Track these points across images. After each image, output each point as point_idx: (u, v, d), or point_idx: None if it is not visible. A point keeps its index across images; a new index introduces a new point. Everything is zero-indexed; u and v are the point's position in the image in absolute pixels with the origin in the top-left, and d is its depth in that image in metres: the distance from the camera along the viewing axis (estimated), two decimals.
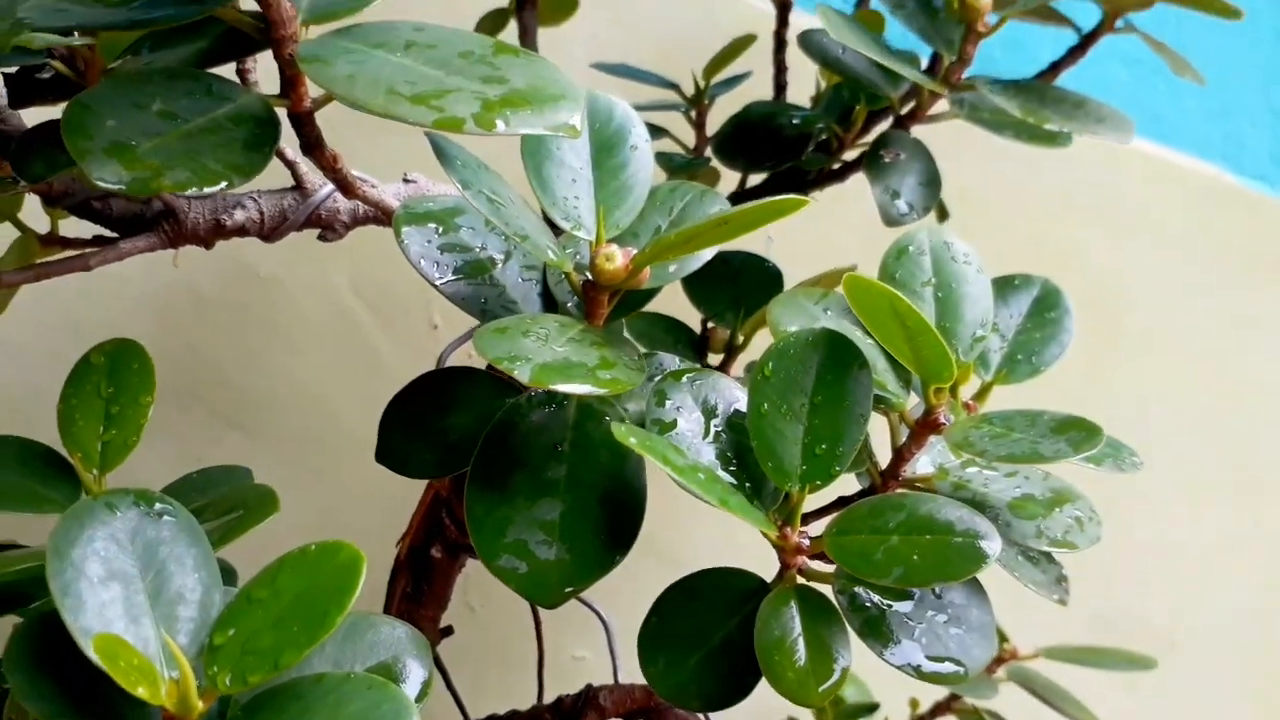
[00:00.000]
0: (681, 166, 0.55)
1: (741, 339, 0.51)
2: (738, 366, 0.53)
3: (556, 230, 0.40)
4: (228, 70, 0.39)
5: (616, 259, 0.38)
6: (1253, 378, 0.96)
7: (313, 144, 0.37)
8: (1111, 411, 0.93)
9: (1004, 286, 0.46)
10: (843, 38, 0.42)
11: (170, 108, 0.32)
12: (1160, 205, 0.92)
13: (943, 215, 0.57)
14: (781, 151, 0.52)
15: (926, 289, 0.39)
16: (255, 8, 0.34)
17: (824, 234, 0.65)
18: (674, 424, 0.36)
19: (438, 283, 0.41)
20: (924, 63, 0.53)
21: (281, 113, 0.35)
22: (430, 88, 0.30)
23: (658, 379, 0.37)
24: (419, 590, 0.53)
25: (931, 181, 0.49)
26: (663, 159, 0.55)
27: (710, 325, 0.53)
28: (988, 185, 0.84)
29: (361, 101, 0.29)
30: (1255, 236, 0.95)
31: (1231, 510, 0.97)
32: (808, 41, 0.51)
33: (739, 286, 0.54)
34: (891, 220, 0.48)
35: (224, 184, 0.31)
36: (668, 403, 0.36)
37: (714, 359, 0.53)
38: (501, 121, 0.29)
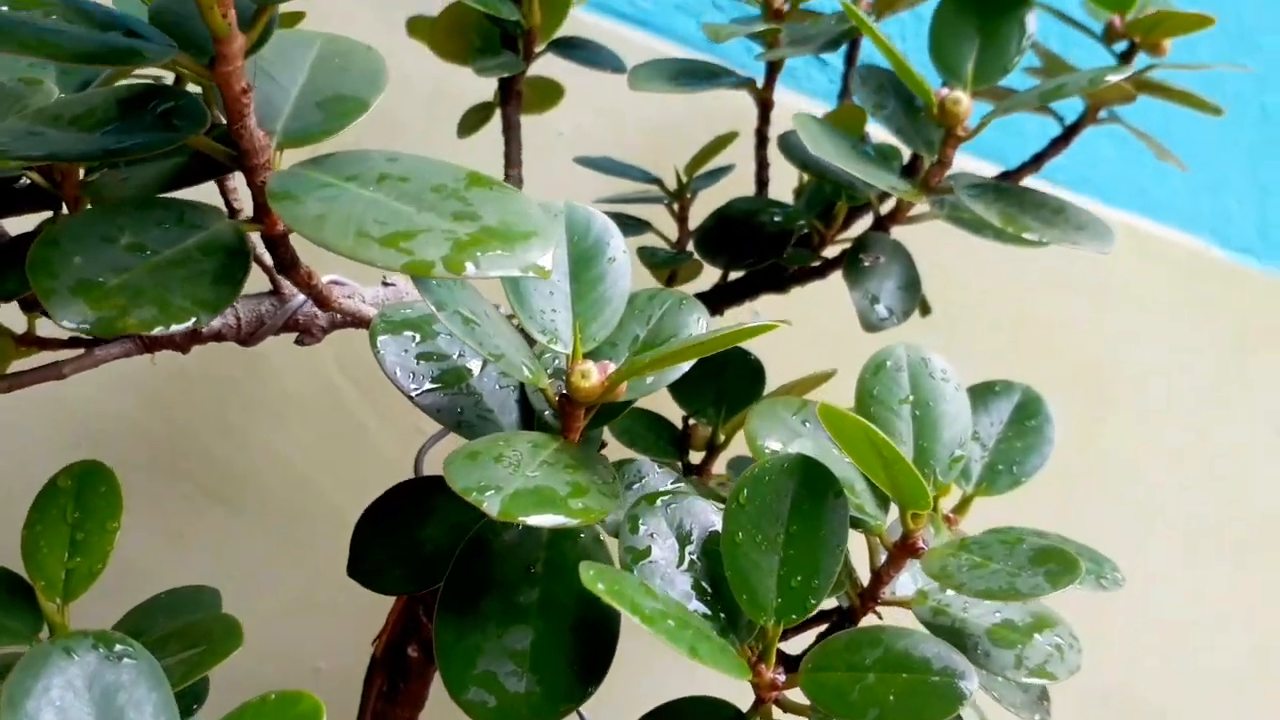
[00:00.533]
0: (664, 261, 0.55)
1: (723, 438, 0.51)
2: (719, 463, 0.53)
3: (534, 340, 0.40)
4: (204, 189, 0.39)
5: (592, 376, 0.38)
6: (1240, 446, 0.96)
7: (288, 265, 0.37)
8: (1101, 482, 0.93)
9: (984, 393, 0.46)
10: (820, 150, 0.42)
11: (140, 239, 0.32)
12: (1147, 278, 0.92)
13: (925, 310, 0.56)
14: (763, 248, 0.52)
15: (904, 406, 0.39)
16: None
17: (808, 310, 0.66)
18: (648, 551, 0.35)
19: (413, 394, 0.41)
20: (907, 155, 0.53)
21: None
22: (401, 227, 0.30)
23: (631, 504, 0.36)
24: (395, 689, 0.53)
25: (911, 285, 0.49)
26: (645, 253, 0.55)
27: (692, 422, 0.52)
28: (972, 259, 0.84)
29: (331, 244, 0.29)
30: (1241, 308, 0.95)
31: (1222, 577, 0.97)
32: (787, 144, 0.52)
33: (721, 380, 0.54)
34: (871, 326, 0.48)
35: (191, 320, 0.31)
36: (641, 529, 0.35)
37: (696, 456, 0.52)
38: (471, 264, 0.29)
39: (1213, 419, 0.95)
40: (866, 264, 0.48)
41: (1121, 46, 0.61)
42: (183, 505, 0.81)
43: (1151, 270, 0.93)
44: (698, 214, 0.58)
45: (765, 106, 0.54)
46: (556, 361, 0.42)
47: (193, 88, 0.37)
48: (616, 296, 0.41)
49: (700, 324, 0.44)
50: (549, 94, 0.63)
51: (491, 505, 0.32)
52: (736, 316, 0.58)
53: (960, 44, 0.49)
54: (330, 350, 0.83)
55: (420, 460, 0.52)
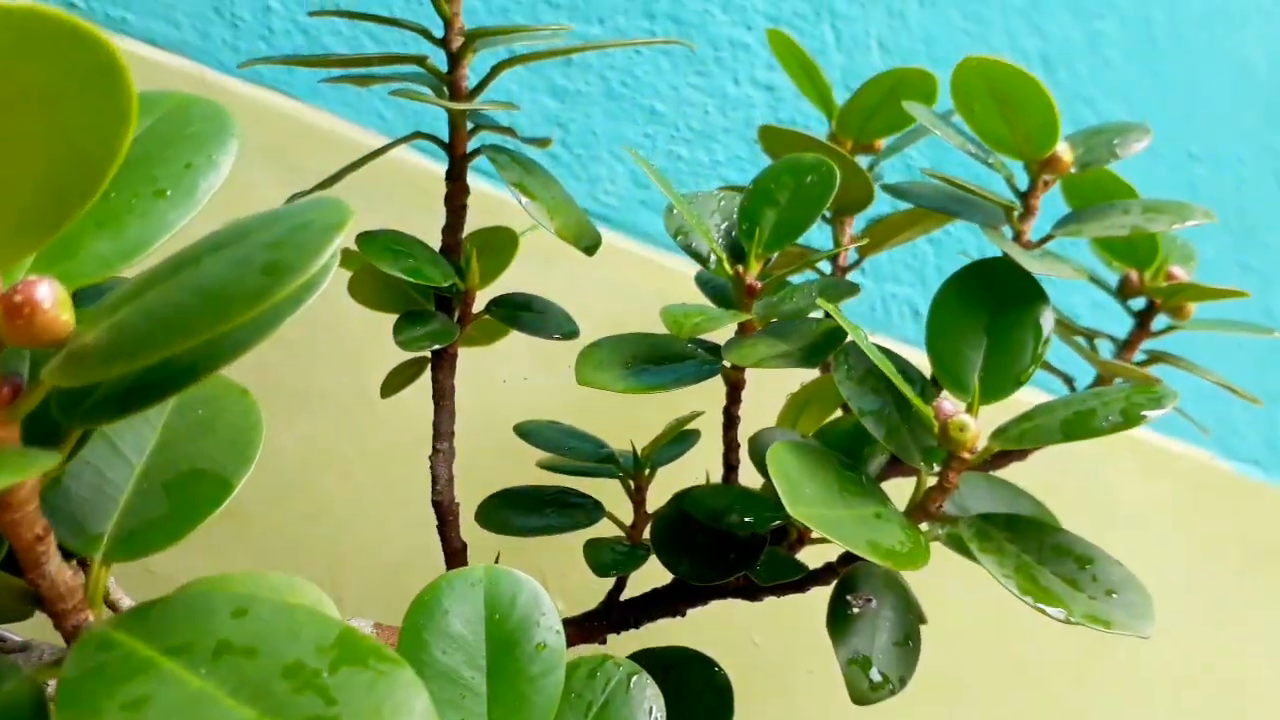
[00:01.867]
0: (615, 564, 0.47)
1: None
2: None
3: None
4: None
5: None
6: (1248, 673, 0.89)
7: None
8: (1100, 714, 0.84)
9: None
10: (798, 507, 0.35)
11: None
12: (1149, 494, 0.85)
13: (921, 620, 0.49)
14: (730, 559, 0.45)
15: None
16: None
17: None
18: None
19: None
20: None
21: None
22: None
23: None
24: None
25: (909, 637, 0.41)
26: (592, 552, 0.47)
27: None
28: None
29: None
30: (1247, 524, 0.88)
31: None
32: (755, 451, 0.44)
33: (679, 704, 0.45)
34: (862, 698, 0.40)
35: None
36: None
37: None
38: None
39: (1219, 644, 0.87)
40: (855, 609, 0.41)
41: (1139, 303, 0.55)
42: None
43: (1154, 485, 0.86)
44: (659, 493, 0.50)
45: (735, 387, 0.47)
46: None
47: None
48: (545, 698, 0.33)
49: (655, 717, 0.36)
50: (493, 331, 0.55)
51: None
52: (704, 611, 0.50)
53: (964, 348, 0.42)
54: (249, 567, 0.74)
55: None
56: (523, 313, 0.48)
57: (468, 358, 0.56)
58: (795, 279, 0.55)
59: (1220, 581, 0.87)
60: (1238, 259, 0.86)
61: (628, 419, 0.56)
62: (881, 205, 0.56)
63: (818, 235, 0.73)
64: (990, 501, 0.46)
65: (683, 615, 0.49)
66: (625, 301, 0.76)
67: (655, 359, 0.45)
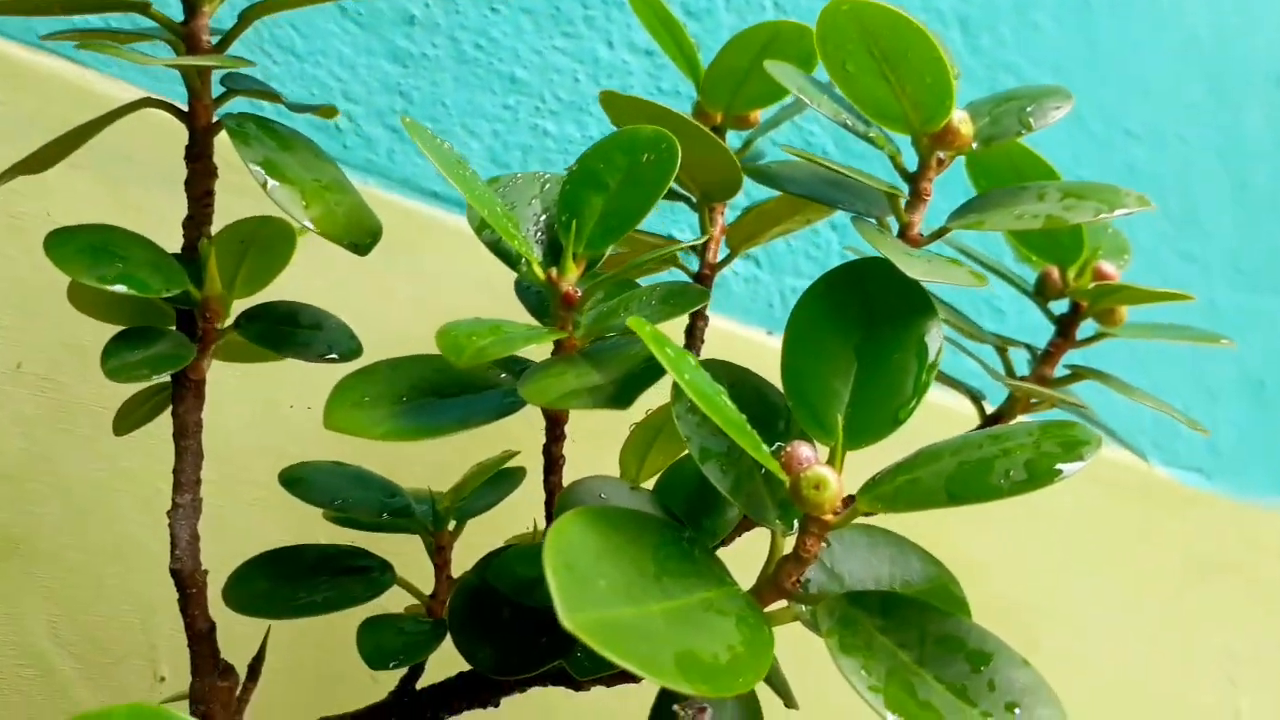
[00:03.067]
0: (405, 647, 0.37)
1: None
2: None
3: None
4: None
5: None
6: (1189, 689, 0.81)
7: None
8: None
9: None
10: (574, 607, 0.25)
11: None
12: (1084, 503, 0.77)
13: (790, 704, 0.39)
14: (544, 645, 0.35)
15: None
16: None
17: None
18: None
19: None
20: None
21: None
22: None
23: None
24: None
25: None
26: (371, 631, 0.37)
27: None
28: None
29: None
30: (1188, 533, 0.80)
31: None
32: (561, 510, 0.35)
33: None
34: None
35: None
36: None
37: None
38: None
39: (1159, 660, 0.80)
40: (682, 718, 0.31)
41: (1062, 306, 0.46)
42: None
43: (1089, 494, 0.78)
44: (467, 552, 0.41)
45: (555, 421, 0.37)
46: None
47: None
48: None
49: None
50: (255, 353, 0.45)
51: None
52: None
53: (828, 375, 0.32)
54: (41, 613, 0.63)
55: None
56: (286, 329, 0.38)
57: (242, 378, 0.46)
58: (655, 277, 0.46)
59: (1159, 597, 0.80)
60: (1177, 247, 0.78)
61: (453, 454, 0.46)
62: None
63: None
64: (867, 562, 0.37)
65: (495, 706, 0.39)
66: (484, 295, 0.66)
67: (444, 389, 0.35)
